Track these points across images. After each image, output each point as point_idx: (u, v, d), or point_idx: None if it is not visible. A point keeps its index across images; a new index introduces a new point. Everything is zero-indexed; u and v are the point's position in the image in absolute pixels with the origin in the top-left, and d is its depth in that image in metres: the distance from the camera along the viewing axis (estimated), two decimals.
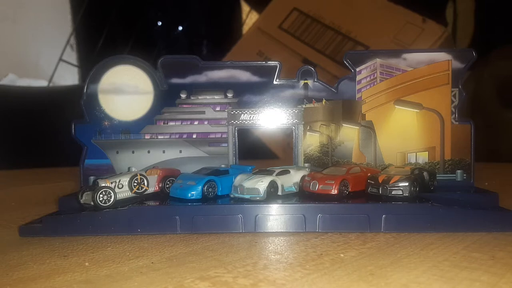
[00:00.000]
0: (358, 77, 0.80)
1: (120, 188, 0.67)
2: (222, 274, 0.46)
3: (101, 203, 0.63)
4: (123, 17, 2.03)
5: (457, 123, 0.78)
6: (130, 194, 0.68)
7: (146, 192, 0.70)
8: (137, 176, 0.69)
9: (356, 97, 0.80)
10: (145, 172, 0.71)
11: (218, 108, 0.81)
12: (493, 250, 0.53)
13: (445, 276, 0.45)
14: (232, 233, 0.62)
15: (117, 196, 0.66)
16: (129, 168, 0.76)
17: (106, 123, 0.80)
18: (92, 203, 0.64)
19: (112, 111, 0.80)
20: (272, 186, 0.67)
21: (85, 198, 0.65)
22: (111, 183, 0.66)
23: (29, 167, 1.54)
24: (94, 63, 0.80)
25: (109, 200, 0.64)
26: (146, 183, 0.70)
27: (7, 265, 0.51)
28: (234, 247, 0.56)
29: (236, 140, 0.81)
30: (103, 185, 0.65)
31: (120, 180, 0.67)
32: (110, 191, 0.64)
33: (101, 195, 0.63)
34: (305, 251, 0.54)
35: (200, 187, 0.67)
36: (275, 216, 0.63)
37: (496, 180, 1.02)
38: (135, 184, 0.68)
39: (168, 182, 0.72)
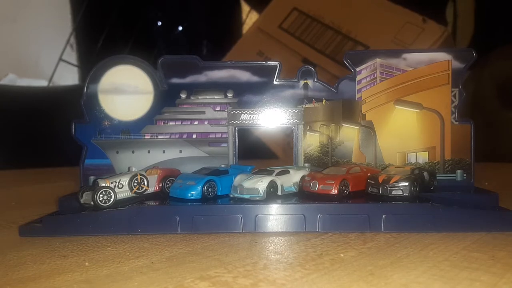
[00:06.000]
0: (358, 77, 0.80)
1: (120, 188, 0.67)
2: (222, 274, 0.46)
3: (101, 203, 0.63)
4: (123, 17, 2.03)
5: (457, 123, 0.78)
6: (130, 194, 0.68)
7: (146, 192, 0.70)
8: (137, 176, 0.69)
9: (356, 97, 0.80)
10: (145, 172, 0.71)
11: (218, 108, 0.81)
12: (493, 250, 0.53)
13: (445, 276, 0.45)
14: (232, 233, 0.62)
15: (117, 196, 0.66)
16: (129, 168, 0.76)
17: (106, 123, 0.80)
18: (92, 203, 0.64)
19: (112, 111, 0.80)
20: (272, 186, 0.67)
21: (85, 198, 0.65)
22: (111, 183, 0.66)
23: (29, 167, 1.54)
24: (94, 63, 0.80)
25: (109, 200, 0.64)
26: (146, 183, 0.70)
27: (7, 265, 0.51)
28: (234, 247, 0.56)
29: (236, 140, 0.81)
30: (103, 185, 0.65)
31: (120, 180, 0.67)
32: (110, 191, 0.64)
33: (101, 195, 0.63)
34: (305, 251, 0.54)
35: (200, 187, 0.67)
36: (275, 216, 0.63)
37: (496, 180, 1.02)
38: (135, 184, 0.68)
39: (168, 182, 0.72)
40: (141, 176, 0.69)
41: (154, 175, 0.71)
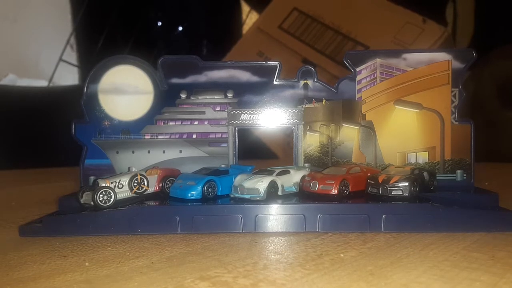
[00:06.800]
0: (358, 77, 0.80)
1: (120, 188, 0.67)
2: (222, 274, 0.46)
3: (101, 203, 0.63)
4: (123, 17, 2.03)
5: (457, 123, 0.78)
6: (130, 194, 0.68)
7: (146, 192, 0.70)
8: (137, 176, 0.69)
9: (356, 97, 0.80)
10: (145, 172, 0.71)
11: (218, 108, 0.81)
12: (493, 250, 0.53)
13: (445, 276, 0.45)
14: (232, 233, 0.62)
15: (117, 196, 0.65)
16: (129, 168, 0.76)
17: (106, 123, 0.80)
18: (92, 203, 0.64)
19: (112, 111, 0.80)
20: (272, 186, 0.67)
21: (85, 198, 0.65)
22: (111, 183, 0.66)
23: (29, 167, 1.54)
24: (94, 63, 0.80)
25: (109, 200, 0.64)
26: (146, 183, 0.70)
27: (7, 265, 0.51)
28: (234, 247, 0.56)
29: (236, 140, 0.81)
30: (103, 185, 0.65)
31: (120, 180, 0.67)
32: (110, 191, 0.64)
33: (101, 195, 0.63)
34: (305, 251, 0.54)
35: (200, 187, 0.67)
36: (275, 216, 0.63)
37: (496, 180, 1.02)
38: (135, 184, 0.68)
39: (168, 182, 0.72)
40: (141, 176, 0.69)
41: (154, 175, 0.71)
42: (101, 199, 0.63)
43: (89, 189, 0.65)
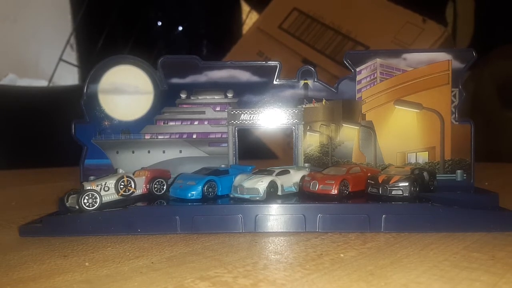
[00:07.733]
0: (358, 77, 0.80)
1: (106, 191, 0.65)
2: (222, 274, 0.46)
3: (85, 207, 0.62)
4: (123, 17, 2.03)
5: (457, 123, 0.78)
6: (117, 196, 0.67)
7: (133, 195, 0.68)
8: (123, 178, 0.67)
9: (356, 97, 0.80)
10: (133, 174, 0.70)
11: (218, 108, 0.81)
12: (493, 250, 0.53)
13: (445, 276, 0.45)
14: (232, 233, 0.62)
15: (103, 199, 0.64)
16: (116, 170, 0.74)
17: (106, 123, 0.80)
18: (77, 207, 0.63)
19: (112, 111, 0.80)
20: (272, 186, 0.67)
21: (71, 201, 0.64)
22: (97, 185, 0.65)
23: (29, 167, 1.54)
24: (94, 63, 0.80)
25: (94, 204, 0.63)
26: (133, 185, 0.68)
27: (7, 265, 0.51)
28: (234, 247, 0.56)
29: (236, 140, 0.81)
30: (88, 188, 0.64)
31: (106, 182, 0.66)
32: (96, 194, 0.63)
33: (85, 199, 0.62)
34: (305, 251, 0.54)
35: (200, 187, 0.67)
36: (275, 216, 0.63)
37: (496, 180, 1.02)
38: (122, 186, 0.67)
39: (156, 184, 0.71)
40: (127, 178, 0.68)
41: (141, 177, 0.70)
42: (86, 202, 0.62)
43: (75, 192, 0.64)
